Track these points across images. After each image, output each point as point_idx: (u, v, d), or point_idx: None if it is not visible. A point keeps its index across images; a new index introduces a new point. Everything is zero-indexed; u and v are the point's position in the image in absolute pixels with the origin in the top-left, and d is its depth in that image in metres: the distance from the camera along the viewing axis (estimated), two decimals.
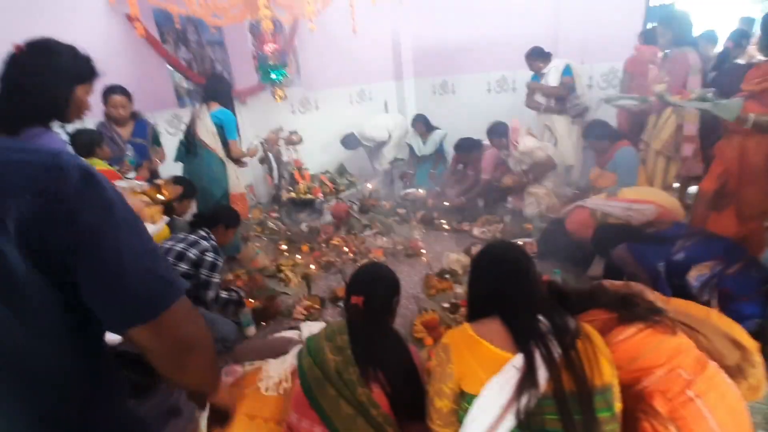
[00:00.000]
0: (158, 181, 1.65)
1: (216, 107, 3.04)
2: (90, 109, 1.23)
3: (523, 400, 0.90)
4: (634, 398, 1.20)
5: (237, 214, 2.64)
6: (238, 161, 3.30)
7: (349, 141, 4.87)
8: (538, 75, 3.87)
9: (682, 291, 1.93)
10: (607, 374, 0.99)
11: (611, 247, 2.18)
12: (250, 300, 2.64)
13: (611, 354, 1.07)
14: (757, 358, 1.40)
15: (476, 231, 3.48)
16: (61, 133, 2.84)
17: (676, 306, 1.57)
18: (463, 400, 1.02)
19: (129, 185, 1.52)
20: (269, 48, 3.44)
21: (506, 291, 1.10)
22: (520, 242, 3.17)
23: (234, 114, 3.14)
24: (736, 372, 1.38)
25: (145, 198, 1.51)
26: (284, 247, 3.54)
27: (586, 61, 3.98)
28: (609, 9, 3.75)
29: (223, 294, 2.37)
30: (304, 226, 3.80)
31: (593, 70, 4.02)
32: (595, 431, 0.91)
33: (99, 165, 2.40)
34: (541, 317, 1.04)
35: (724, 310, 1.83)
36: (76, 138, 2.44)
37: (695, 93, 2.12)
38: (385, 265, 1.60)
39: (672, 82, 2.71)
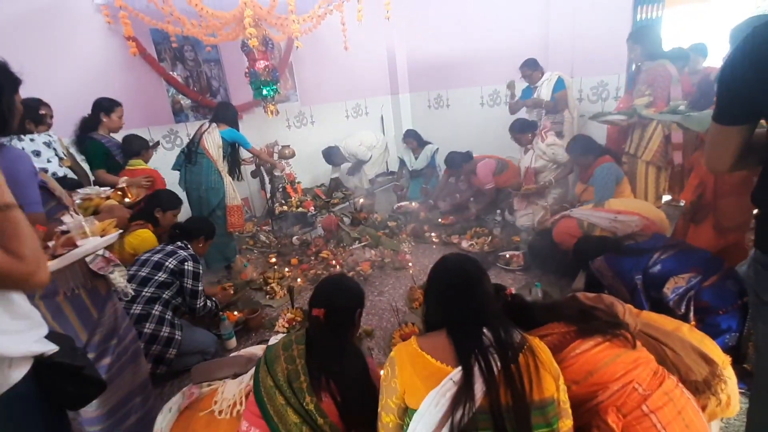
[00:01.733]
0: (121, 185, 1.69)
1: (224, 127, 3.36)
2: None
3: (458, 414, 0.89)
4: (590, 414, 1.18)
5: (213, 226, 2.71)
6: (234, 173, 3.56)
7: (332, 154, 4.90)
8: (531, 87, 3.91)
9: (659, 303, 1.90)
10: (547, 389, 0.97)
11: (590, 259, 2.16)
12: (233, 313, 2.66)
13: (557, 369, 1.06)
14: (728, 372, 1.37)
15: (465, 244, 3.47)
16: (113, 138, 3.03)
17: (647, 319, 1.55)
18: (407, 415, 1.02)
19: (94, 191, 1.55)
20: (260, 65, 3.52)
21: (453, 303, 1.09)
22: (507, 255, 3.17)
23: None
24: (704, 387, 1.35)
25: (112, 202, 1.56)
26: (273, 260, 3.57)
27: (575, 74, 4.00)
28: (597, 23, 3.78)
29: (208, 302, 2.42)
30: (295, 239, 3.83)
31: (582, 83, 4.04)
32: None
33: (141, 165, 3.01)
34: (485, 330, 1.04)
35: (702, 323, 1.80)
36: (129, 142, 3.01)
37: (668, 106, 2.13)
38: (350, 278, 1.61)
39: (655, 94, 2.74)
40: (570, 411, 1.08)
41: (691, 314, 1.81)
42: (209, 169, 3.27)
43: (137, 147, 3.03)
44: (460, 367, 0.96)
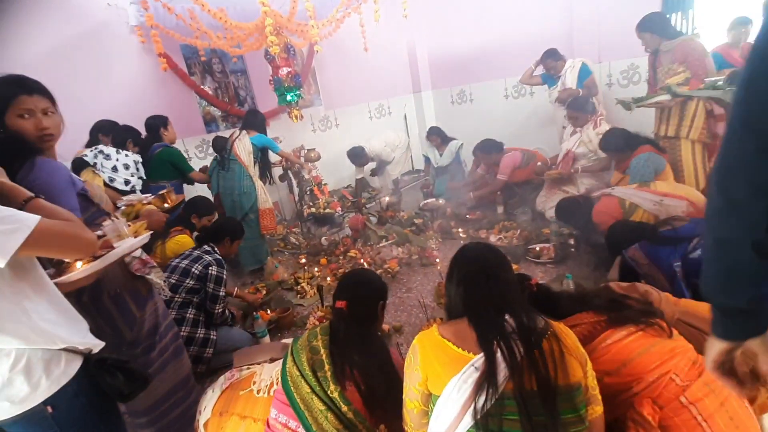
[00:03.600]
0: (162, 192, 1.81)
1: (254, 133, 3.51)
2: (45, 128, 1.22)
3: (480, 399, 0.89)
4: (625, 405, 1.14)
5: (241, 226, 2.75)
6: (265, 177, 3.72)
7: (357, 154, 4.92)
8: (552, 77, 3.80)
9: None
10: (573, 375, 0.95)
11: (624, 247, 2.07)
12: (266, 312, 2.75)
13: (584, 354, 1.03)
14: None
15: (493, 238, 3.41)
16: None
17: (686, 306, 1.48)
18: (431, 401, 1.02)
19: (137, 198, 1.67)
20: (283, 72, 3.62)
21: (473, 291, 1.09)
22: (537, 247, 3.09)
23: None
24: (751, 378, 1.27)
25: (151, 207, 1.66)
26: (303, 260, 3.65)
27: (603, 58, 3.85)
28: (624, 1, 3.62)
29: (227, 311, 2.44)
30: (323, 240, 3.90)
31: (612, 67, 3.86)
32: None
33: None
34: (507, 317, 1.02)
35: None
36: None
37: (705, 83, 2.00)
38: (372, 271, 1.64)
39: (692, 70, 2.60)
40: (600, 398, 1.05)
41: None
42: (241, 174, 3.40)
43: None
44: (482, 354, 0.95)
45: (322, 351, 1.23)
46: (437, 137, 4.73)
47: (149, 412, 1.63)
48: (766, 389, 1.26)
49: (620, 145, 2.85)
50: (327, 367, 1.19)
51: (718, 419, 1.04)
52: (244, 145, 3.40)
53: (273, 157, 4.05)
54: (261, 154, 3.60)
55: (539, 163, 3.93)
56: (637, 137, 2.85)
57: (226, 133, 4.36)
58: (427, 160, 4.94)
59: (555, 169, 3.58)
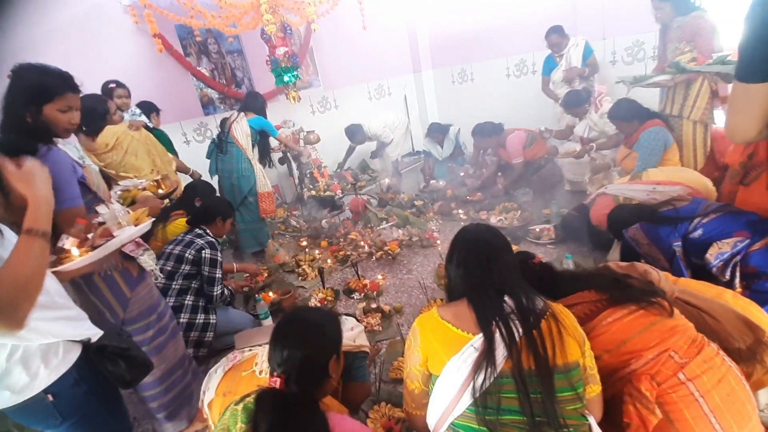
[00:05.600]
0: (157, 178, 1.79)
1: (252, 116, 3.43)
2: (75, 123, 1.30)
3: (479, 378, 0.90)
4: (622, 382, 1.15)
5: (231, 205, 2.69)
6: (265, 161, 3.65)
7: (355, 131, 4.80)
8: (554, 56, 3.73)
9: (701, 271, 1.80)
10: (571, 354, 0.96)
11: (625, 228, 2.07)
12: (268, 294, 2.77)
13: (582, 335, 1.04)
14: None
15: (493, 219, 3.41)
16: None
17: (685, 286, 1.48)
18: (431, 381, 1.04)
19: (132, 184, 1.66)
20: (280, 51, 3.55)
21: (473, 272, 1.09)
22: (538, 228, 3.09)
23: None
24: (748, 355, 1.28)
25: (147, 193, 1.65)
26: (304, 243, 3.66)
27: (607, 35, 3.76)
28: None
29: (225, 290, 2.42)
30: (324, 223, 3.90)
31: (616, 44, 3.78)
32: (553, 410, 0.89)
33: None
34: (507, 298, 1.03)
35: (749, 289, 1.69)
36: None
37: (714, 58, 1.95)
38: (316, 309, 1.29)
39: (699, 49, 2.54)
40: (598, 377, 1.06)
41: (737, 281, 1.70)
42: (239, 157, 3.37)
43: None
44: (481, 334, 0.96)
45: None
46: (439, 134, 4.62)
47: (154, 386, 1.67)
48: (762, 366, 1.28)
49: (629, 116, 2.78)
50: None
51: (715, 395, 1.05)
52: (241, 128, 3.36)
53: (273, 142, 4.02)
54: (260, 137, 3.54)
55: (549, 149, 3.87)
56: (647, 110, 2.78)
57: (224, 116, 4.31)
58: (428, 154, 4.83)
59: (571, 150, 3.52)
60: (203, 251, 2.26)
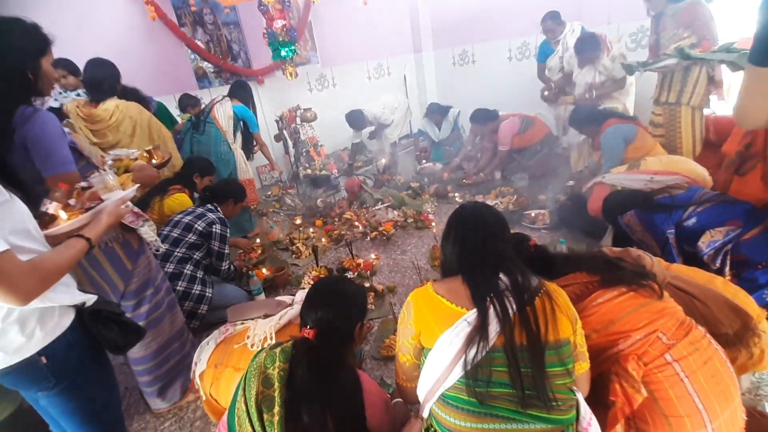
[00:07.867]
0: (149, 148, 1.76)
1: (237, 103, 3.31)
2: (58, 78, 1.25)
3: (471, 351, 0.91)
4: (610, 362, 1.17)
5: (243, 189, 2.73)
6: (248, 151, 3.50)
7: (356, 117, 4.73)
8: (550, 42, 3.67)
9: (693, 258, 1.82)
10: (563, 331, 0.97)
11: (620, 214, 2.08)
12: (262, 270, 2.77)
13: (575, 313, 1.05)
14: (763, 326, 1.32)
15: (489, 203, 3.40)
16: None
17: (677, 271, 1.50)
18: (422, 354, 1.04)
19: (124, 153, 1.62)
20: (278, 25, 3.45)
21: (469, 249, 1.09)
22: (533, 213, 3.09)
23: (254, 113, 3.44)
24: (734, 340, 1.31)
25: (142, 162, 1.62)
26: (299, 221, 3.65)
27: (612, 20, 3.69)
28: None
29: (232, 266, 2.49)
30: (319, 202, 3.88)
31: (621, 29, 3.72)
32: (543, 384, 0.90)
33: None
34: (502, 276, 1.03)
35: (738, 278, 1.71)
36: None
37: (719, 45, 1.92)
38: (351, 282, 1.38)
39: (698, 35, 2.51)
40: (587, 355, 1.08)
41: (727, 268, 1.73)
42: (218, 139, 3.24)
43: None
44: (474, 310, 0.96)
45: (276, 386, 0.98)
46: (437, 115, 4.57)
47: (149, 359, 1.68)
48: (747, 351, 1.30)
49: (585, 122, 2.88)
50: (276, 409, 0.95)
51: (700, 376, 1.07)
52: (224, 110, 3.24)
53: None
54: (244, 127, 3.39)
55: (546, 133, 3.85)
56: (601, 112, 2.87)
57: (219, 90, 4.21)
58: (423, 134, 4.77)
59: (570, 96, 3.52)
60: (214, 225, 2.31)
